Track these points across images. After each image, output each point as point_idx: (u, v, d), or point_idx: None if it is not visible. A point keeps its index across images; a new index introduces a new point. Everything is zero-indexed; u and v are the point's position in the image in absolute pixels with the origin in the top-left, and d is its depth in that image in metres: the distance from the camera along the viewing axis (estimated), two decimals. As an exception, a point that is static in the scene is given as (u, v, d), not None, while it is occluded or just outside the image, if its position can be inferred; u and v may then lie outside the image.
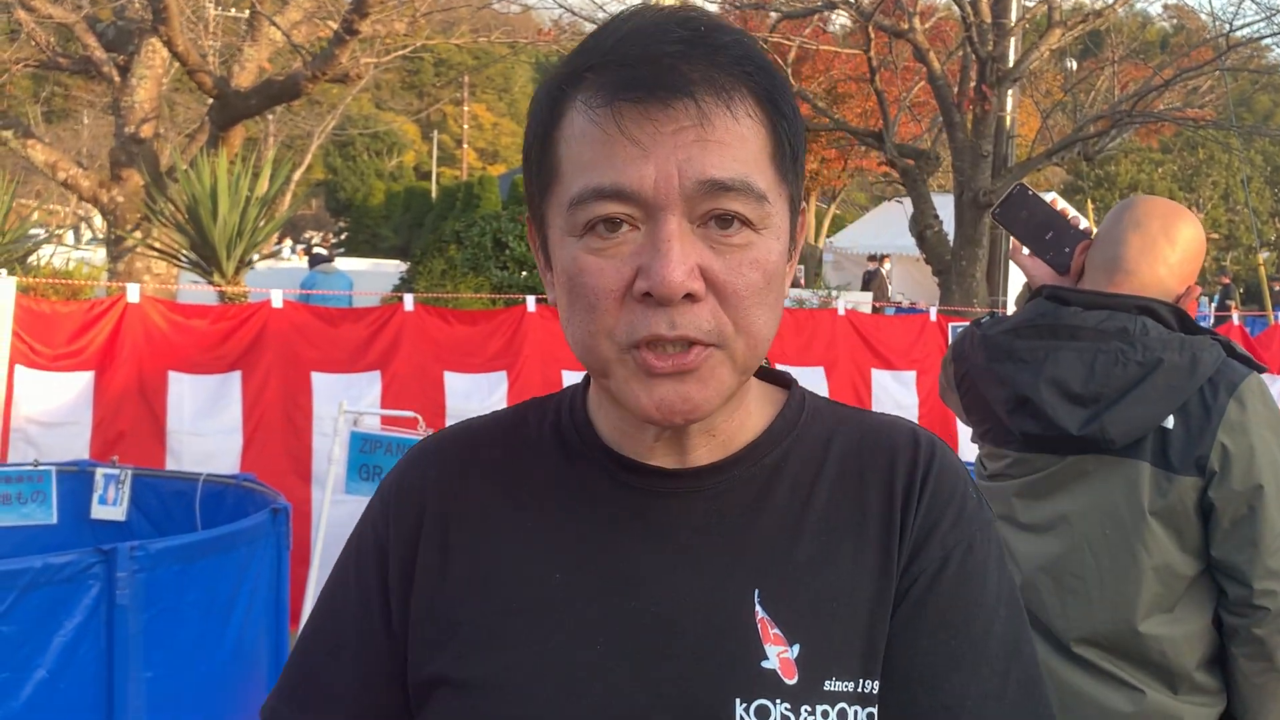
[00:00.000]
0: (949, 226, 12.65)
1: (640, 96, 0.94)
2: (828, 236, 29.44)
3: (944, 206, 13.14)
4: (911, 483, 1.08)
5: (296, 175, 28.21)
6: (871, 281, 20.52)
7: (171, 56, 9.09)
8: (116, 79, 9.46)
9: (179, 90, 13.25)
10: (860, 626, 1.02)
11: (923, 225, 12.57)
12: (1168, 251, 2.38)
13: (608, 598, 1.03)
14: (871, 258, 22.15)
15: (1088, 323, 2.35)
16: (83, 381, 6.31)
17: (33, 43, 10.35)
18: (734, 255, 0.96)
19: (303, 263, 14.94)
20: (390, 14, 9.52)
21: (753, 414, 1.10)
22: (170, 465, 6.29)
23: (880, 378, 8.45)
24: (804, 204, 1.09)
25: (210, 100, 9.65)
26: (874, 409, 7.13)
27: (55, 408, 6.22)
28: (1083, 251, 2.52)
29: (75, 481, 5.17)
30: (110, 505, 5.14)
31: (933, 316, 8.95)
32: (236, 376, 6.62)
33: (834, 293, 13.71)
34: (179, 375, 6.51)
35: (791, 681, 0.99)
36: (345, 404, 4.80)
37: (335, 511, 5.00)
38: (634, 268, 0.95)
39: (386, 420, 5.17)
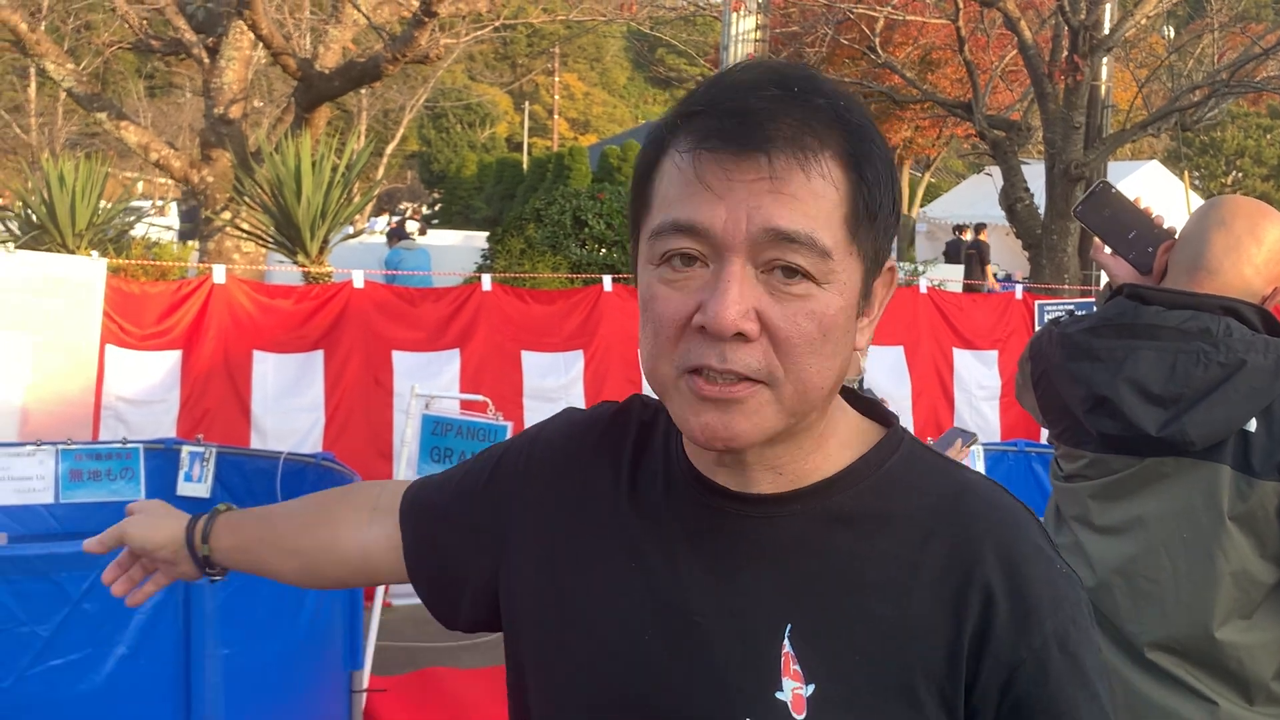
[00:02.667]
0: (1040, 199, 12.39)
1: (718, 147, 1.01)
2: (921, 206, 28.95)
3: (1036, 177, 12.86)
4: (990, 595, 1.07)
5: (390, 148, 28.55)
6: (965, 253, 20.04)
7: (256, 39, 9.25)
8: (206, 61, 9.64)
9: (275, 66, 13.49)
10: (878, 685, 1.06)
11: (1013, 198, 12.33)
12: (1254, 251, 2.31)
13: (663, 597, 1.13)
14: (958, 228, 21.69)
15: (1169, 322, 2.30)
16: (170, 360, 6.49)
17: (126, 24, 10.62)
18: (792, 304, 1.01)
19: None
20: (470, -5, 9.58)
21: (832, 454, 1.13)
22: (254, 442, 6.45)
23: (962, 357, 8.32)
24: (891, 260, 1.12)
25: (295, 82, 9.81)
26: (955, 390, 7.02)
27: (144, 386, 6.41)
28: (1165, 251, 2.46)
29: (162, 459, 5.33)
30: (195, 482, 5.28)
31: (1018, 294, 8.78)
32: (319, 356, 6.75)
33: (920, 268, 13.49)
34: (263, 354, 6.66)
35: (799, 717, 1.05)
36: (417, 387, 4.87)
37: (409, 491, 5.08)
38: (698, 302, 1.02)
39: (463, 403, 5.24)
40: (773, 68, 1.05)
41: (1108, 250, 2.55)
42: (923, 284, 8.58)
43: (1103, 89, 12.28)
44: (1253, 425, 2.21)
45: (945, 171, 37.27)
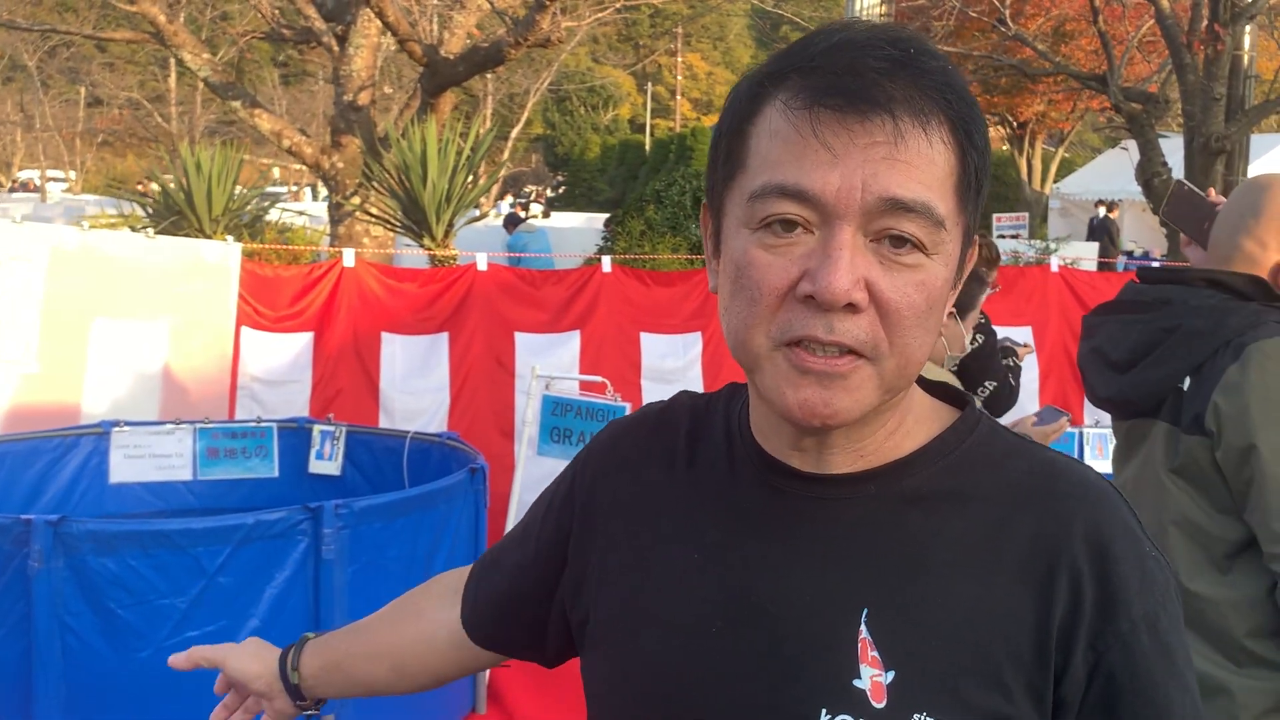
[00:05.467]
0: (1179, 173, 11.95)
1: (840, 105, 0.95)
2: (1055, 182, 28.15)
3: (1174, 151, 12.41)
4: (1078, 578, 1.01)
5: (515, 131, 28.84)
6: (1099, 231, 19.50)
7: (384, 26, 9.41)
8: (335, 48, 9.85)
9: (402, 53, 13.81)
10: (961, 670, 0.99)
11: (1150, 173, 11.93)
12: (1250, 222, 2.39)
13: (731, 585, 1.07)
14: (1100, 204, 21.10)
15: (1139, 296, 2.48)
16: (302, 342, 6.67)
17: (259, 15, 10.93)
18: (902, 274, 0.97)
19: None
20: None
21: (910, 433, 1.09)
22: (383, 422, 6.60)
23: (1094, 337, 8.08)
24: (976, 236, 1.08)
25: (421, 68, 9.96)
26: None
27: (277, 367, 6.60)
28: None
29: (295, 437, 5.48)
30: (326, 460, 5.43)
31: (1154, 272, 8.49)
32: (444, 337, 6.87)
33: (1053, 245, 13.13)
34: (391, 336, 6.81)
35: (879, 705, 0.98)
36: (538, 368, 4.92)
37: (530, 469, 5.15)
38: (801, 270, 0.96)
39: (582, 384, 5.29)
40: (880, 29, 0.99)
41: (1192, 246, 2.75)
42: (1054, 262, 8.35)
43: (1245, 59, 11.78)
44: (1187, 384, 2.33)
45: (1080, 146, 36.21)
